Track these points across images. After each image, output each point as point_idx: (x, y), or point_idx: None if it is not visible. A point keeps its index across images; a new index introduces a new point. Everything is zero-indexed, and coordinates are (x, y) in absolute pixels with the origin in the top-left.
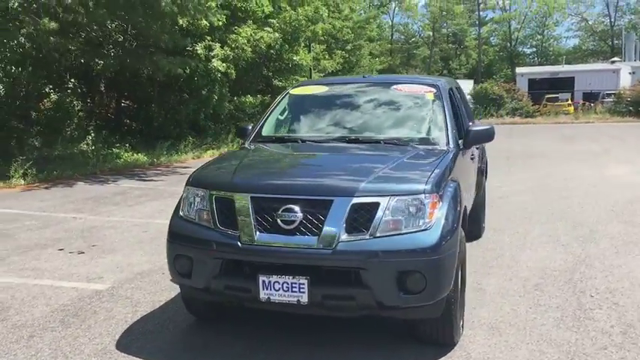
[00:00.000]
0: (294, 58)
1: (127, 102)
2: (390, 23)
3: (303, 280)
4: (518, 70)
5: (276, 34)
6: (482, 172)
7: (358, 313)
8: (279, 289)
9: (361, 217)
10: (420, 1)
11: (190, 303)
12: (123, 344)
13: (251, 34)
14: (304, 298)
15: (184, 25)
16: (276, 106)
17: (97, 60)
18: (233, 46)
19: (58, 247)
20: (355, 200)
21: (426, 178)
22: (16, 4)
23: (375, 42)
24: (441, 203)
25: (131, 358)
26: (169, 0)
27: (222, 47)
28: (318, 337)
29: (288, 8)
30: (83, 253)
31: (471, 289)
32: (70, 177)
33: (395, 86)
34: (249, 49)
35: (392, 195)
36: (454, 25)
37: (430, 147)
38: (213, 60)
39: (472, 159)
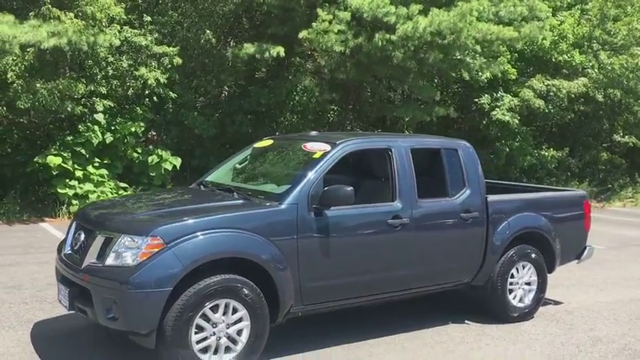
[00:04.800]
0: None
1: None
2: None
3: (65, 291)
4: None
5: (581, 83)
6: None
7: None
8: (63, 295)
9: (105, 248)
10: None
11: None
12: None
13: (546, 84)
14: (66, 304)
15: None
16: (235, 157)
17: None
18: (521, 97)
19: None
20: (103, 233)
21: (159, 224)
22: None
23: None
24: (164, 248)
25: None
26: (400, 56)
27: (513, 97)
28: None
29: (603, 57)
30: None
31: None
32: None
33: (304, 143)
34: (537, 101)
35: (124, 233)
36: None
37: (261, 201)
38: (495, 109)
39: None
